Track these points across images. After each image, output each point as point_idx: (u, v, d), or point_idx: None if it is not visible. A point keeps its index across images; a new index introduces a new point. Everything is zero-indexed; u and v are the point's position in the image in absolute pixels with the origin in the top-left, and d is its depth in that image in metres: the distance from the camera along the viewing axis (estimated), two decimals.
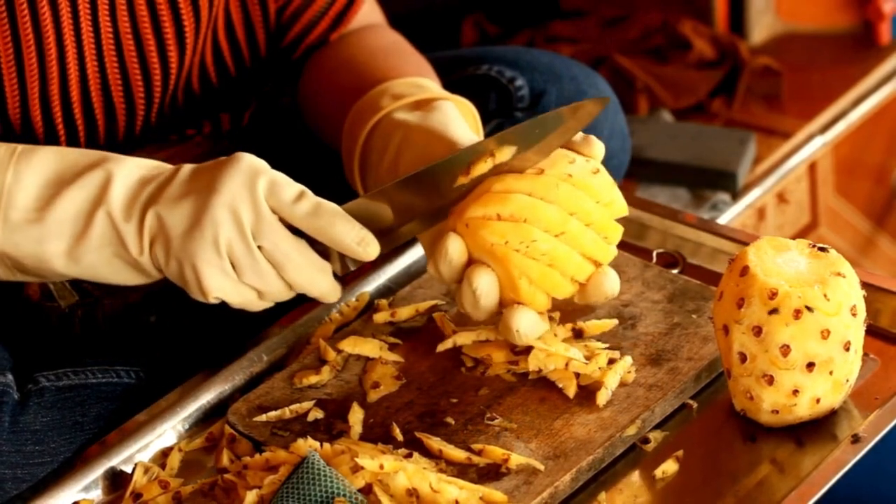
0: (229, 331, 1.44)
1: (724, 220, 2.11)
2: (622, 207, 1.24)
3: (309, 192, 1.21)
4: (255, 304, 1.23)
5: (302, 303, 1.38)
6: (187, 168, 1.22)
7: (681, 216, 1.44)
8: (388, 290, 1.41)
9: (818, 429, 1.21)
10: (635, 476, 1.20)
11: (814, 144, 2.26)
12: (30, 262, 1.22)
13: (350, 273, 1.24)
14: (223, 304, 1.24)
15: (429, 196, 1.24)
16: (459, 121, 1.32)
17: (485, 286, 1.22)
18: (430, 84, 1.38)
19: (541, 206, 1.21)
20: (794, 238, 1.22)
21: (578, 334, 1.30)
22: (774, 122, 2.29)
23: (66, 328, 1.43)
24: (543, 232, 1.21)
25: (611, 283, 1.24)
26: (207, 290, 1.20)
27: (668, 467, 1.19)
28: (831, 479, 1.15)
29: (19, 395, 1.28)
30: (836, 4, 2.44)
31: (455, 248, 1.22)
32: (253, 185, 1.19)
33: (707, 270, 1.40)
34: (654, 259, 1.41)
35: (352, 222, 1.21)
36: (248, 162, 1.20)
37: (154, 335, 1.50)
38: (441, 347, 1.30)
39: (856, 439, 1.18)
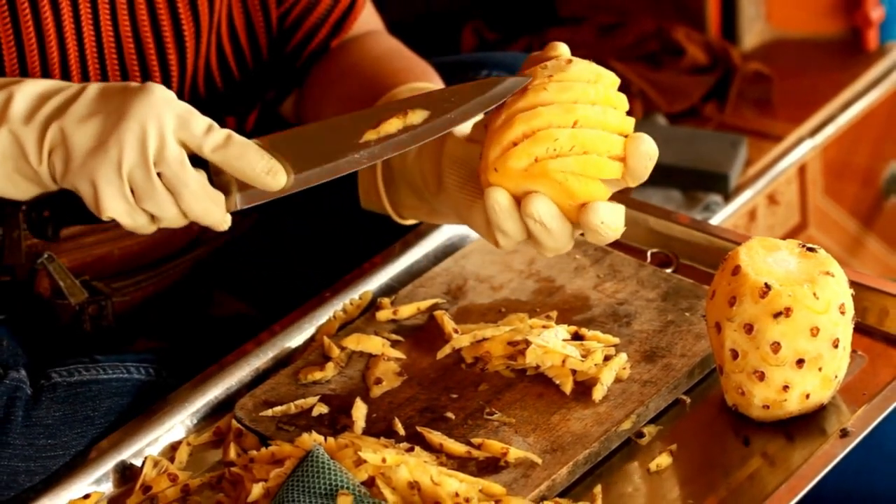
0: (236, 328, 1.44)
1: (716, 220, 2.11)
2: (612, 78, 1.21)
3: (217, 125, 1.19)
4: (147, 228, 1.21)
5: (305, 302, 1.38)
6: (94, 87, 1.20)
7: (674, 217, 1.44)
8: (390, 289, 1.41)
9: (808, 423, 1.21)
10: (630, 469, 1.20)
11: (803, 147, 2.27)
12: None
13: (242, 210, 1.22)
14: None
15: (335, 146, 1.22)
16: None
17: (543, 208, 1.18)
18: (434, 86, 1.38)
19: (540, 110, 1.18)
20: (784, 238, 1.22)
21: (578, 337, 1.30)
22: (765, 125, 2.29)
23: (77, 325, 1.43)
24: (558, 129, 1.18)
25: (647, 144, 1.19)
26: (103, 209, 1.18)
27: (662, 461, 1.20)
28: (820, 472, 1.15)
29: (32, 391, 1.28)
30: (825, 11, 2.44)
31: (500, 196, 1.19)
32: (162, 114, 1.17)
33: (700, 270, 1.40)
34: (649, 259, 1.41)
35: (261, 153, 1.19)
36: (160, 92, 1.19)
37: (163, 332, 1.50)
38: (440, 354, 1.30)
39: (844, 433, 1.18)
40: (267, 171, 1.19)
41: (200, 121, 1.19)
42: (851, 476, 1.30)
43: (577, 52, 2.42)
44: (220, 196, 1.20)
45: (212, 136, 1.18)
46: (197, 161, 1.19)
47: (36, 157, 1.18)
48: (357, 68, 1.45)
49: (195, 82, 1.44)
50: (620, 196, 1.26)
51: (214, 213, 1.20)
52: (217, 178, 1.20)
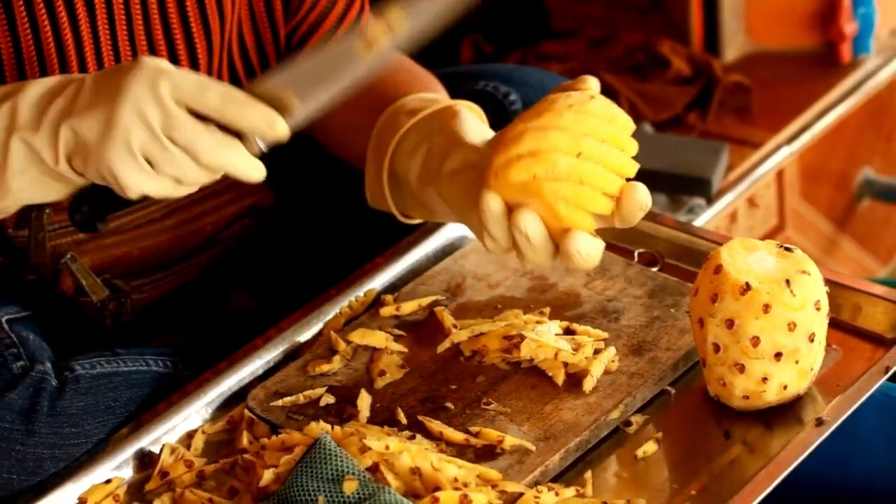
0: (248, 324, 1.44)
1: (699, 222, 2.11)
2: (627, 122, 1.20)
3: (211, 81, 1.17)
4: (176, 191, 1.18)
5: (313, 299, 1.39)
6: (91, 77, 1.17)
7: (660, 219, 1.44)
8: (393, 287, 1.41)
9: (785, 413, 1.21)
10: (618, 456, 1.20)
11: (781, 154, 2.26)
12: None
13: (264, 153, 1.19)
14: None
15: (331, 78, 1.20)
16: (474, 120, 1.31)
17: (530, 224, 1.17)
18: (439, 96, 1.38)
19: (551, 133, 1.17)
20: (763, 239, 1.22)
21: (569, 332, 1.30)
22: (745, 133, 2.29)
23: (99, 320, 1.43)
24: (562, 155, 1.17)
25: (642, 194, 1.18)
26: (127, 188, 1.15)
27: (649, 448, 1.20)
28: (797, 459, 1.15)
29: (57, 382, 1.28)
30: (801, 26, 2.44)
31: (493, 201, 1.18)
32: (156, 85, 1.14)
33: (684, 268, 1.40)
34: (636, 258, 1.41)
35: (259, 105, 1.16)
36: (150, 64, 1.16)
37: (179, 327, 1.50)
38: (440, 348, 1.30)
39: (819, 422, 1.18)
40: (269, 124, 1.16)
41: (192, 81, 1.15)
42: (826, 462, 1.30)
43: (568, 63, 2.42)
44: (236, 141, 1.17)
45: (209, 96, 1.15)
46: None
47: (52, 159, 1.16)
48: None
49: None
50: None
51: (235, 158, 1.17)
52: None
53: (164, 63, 1.16)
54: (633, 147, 1.20)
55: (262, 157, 1.19)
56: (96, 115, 1.14)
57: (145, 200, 1.19)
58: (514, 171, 1.17)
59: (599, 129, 1.18)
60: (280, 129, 1.17)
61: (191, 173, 1.16)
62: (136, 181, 1.15)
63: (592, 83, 1.22)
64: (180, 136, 1.14)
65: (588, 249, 1.17)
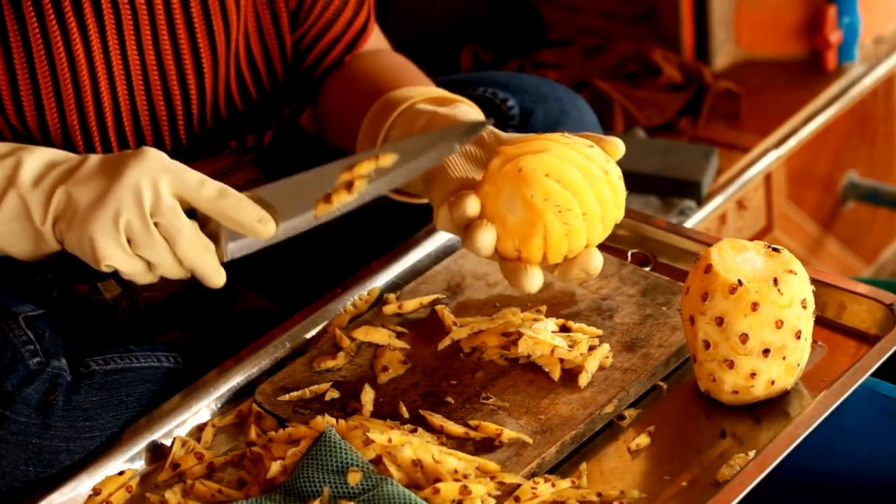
0: (257, 321, 1.44)
1: (690, 224, 2.10)
2: (621, 214, 1.25)
3: (210, 179, 1.20)
4: (144, 276, 1.21)
5: (319, 297, 1.38)
6: (96, 157, 1.21)
7: (652, 220, 1.44)
8: (395, 286, 1.41)
9: (773, 407, 1.21)
10: (612, 448, 1.20)
11: (769, 158, 2.26)
12: None
13: (229, 261, 1.22)
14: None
15: (314, 189, 1.23)
16: (476, 115, 1.31)
17: (487, 240, 1.20)
18: (446, 91, 1.38)
19: (586, 186, 1.20)
20: (751, 240, 1.22)
21: (565, 329, 1.30)
22: (734, 138, 2.29)
23: (112, 318, 1.43)
24: (578, 207, 1.20)
25: (596, 261, 1.23)
26: (101, 258, 1.18)
27: (642, 441, 1.20)
28: (784, 451, 1.15)
29: (72, 378, 1.28)
30: (788, 34, 2.44)
31: (473, 202, 1.20)
32: (156, 171, 1.18)
33: (675, 268, 1.40)
34: (629, 258, 1.41)
35: (252, 203, 1.20)
36: (154, 154, 1.19)
37: (189, 324, 1.50)
38: (441, 345, 1.30)
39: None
40: (259, 220, 1.20)
41: (193, 175, 1.19)
42: (812, 455, 1.30)
43: (564, 71, 2.42)
44: (212, 244, 1.20)
45: (206, 189, 1.19)
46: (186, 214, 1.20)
47: (41, 219, 1.19)
48: (369, 74, 1.44)
49: (216, 105, 1.44)
50: None
51: (207, 260, 1.20)
52: (204, 229, 1.20)
53: (165, 156, 1.19)
54: (613, 223, 1.24)
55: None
56: (93, 186, 1.18)
57: (111, 278, 1.22)
58: (536, 186, 1.19)
59: (609, 209, 1.22)
60: (269, 227, 1.20)
61: (164, 261, 1.19)
62: (111, 254, 1.18)
63: (619, 147, 1.26)
64: (164, 223, 1.18)
65: (531, 284, 1.22)
